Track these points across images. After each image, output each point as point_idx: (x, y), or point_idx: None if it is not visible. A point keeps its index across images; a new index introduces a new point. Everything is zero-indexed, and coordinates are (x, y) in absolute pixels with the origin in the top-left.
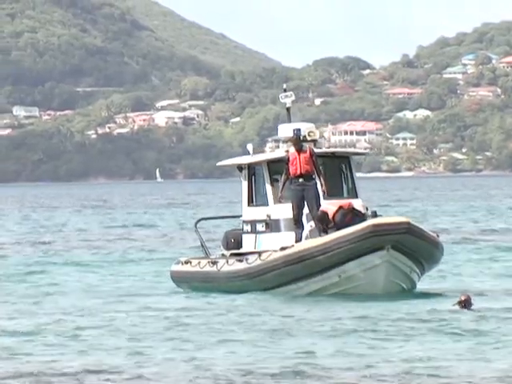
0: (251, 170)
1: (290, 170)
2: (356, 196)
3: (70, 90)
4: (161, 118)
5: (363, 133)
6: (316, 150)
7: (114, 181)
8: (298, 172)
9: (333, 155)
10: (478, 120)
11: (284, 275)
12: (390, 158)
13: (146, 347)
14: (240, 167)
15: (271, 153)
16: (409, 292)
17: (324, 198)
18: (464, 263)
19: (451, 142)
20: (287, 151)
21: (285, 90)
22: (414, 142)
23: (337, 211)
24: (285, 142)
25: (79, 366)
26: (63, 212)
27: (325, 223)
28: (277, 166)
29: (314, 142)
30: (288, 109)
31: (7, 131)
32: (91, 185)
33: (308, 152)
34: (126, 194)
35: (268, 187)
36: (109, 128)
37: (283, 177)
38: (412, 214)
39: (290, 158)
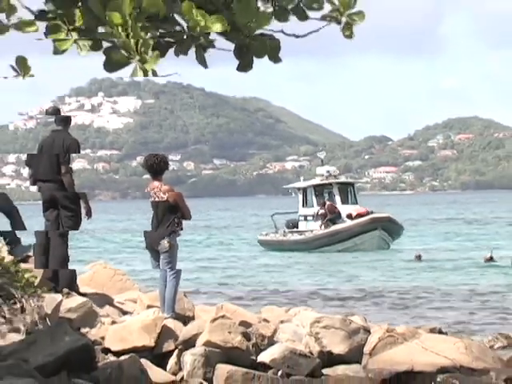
0: (304, 189)
1: None
2: (356, 203)
3: (245, 152)
4: (289, 165)
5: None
6: (336, 180)
7: (270, 196)
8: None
9: (346, 183)
10: (446, 165)
11: (325, 242)
12: (401, 185)
13: None
14: (298, 188)
15: (314, 180)
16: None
17: (341, 204)
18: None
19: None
20: None
21: (321, 150)
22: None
23: (355, 216)
24: (319, 176)
25: None
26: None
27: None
28: (318, 187)
29: (336, 176)
30: (322, 160)
31: (210, 172)
32: (257, 198)
33: None
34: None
35: (314, 198)
36: (263, 171)
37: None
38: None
39: None
